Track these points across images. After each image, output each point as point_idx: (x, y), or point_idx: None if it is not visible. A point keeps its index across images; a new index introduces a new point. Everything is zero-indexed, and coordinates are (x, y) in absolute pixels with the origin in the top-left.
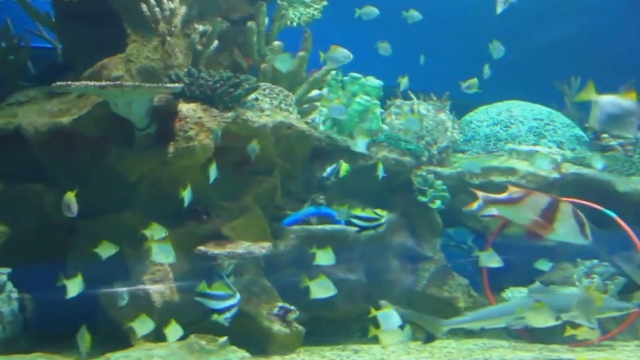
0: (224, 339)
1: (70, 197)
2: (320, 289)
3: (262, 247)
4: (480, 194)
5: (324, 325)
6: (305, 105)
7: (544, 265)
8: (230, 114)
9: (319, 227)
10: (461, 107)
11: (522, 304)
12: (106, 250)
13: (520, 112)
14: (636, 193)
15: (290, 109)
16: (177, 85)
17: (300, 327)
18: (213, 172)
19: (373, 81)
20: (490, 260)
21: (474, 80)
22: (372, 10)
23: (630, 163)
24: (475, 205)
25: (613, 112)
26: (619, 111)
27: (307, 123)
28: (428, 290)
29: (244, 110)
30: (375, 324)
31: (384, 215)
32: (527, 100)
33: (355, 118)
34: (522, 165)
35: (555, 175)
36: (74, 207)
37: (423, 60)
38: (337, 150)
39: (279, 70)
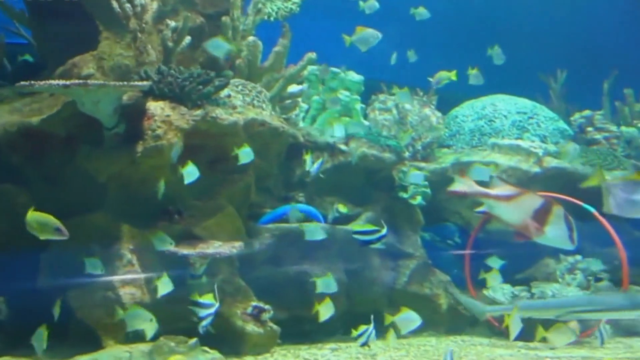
0: (193, 340)
1: (54, 221)
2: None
3: (232, 247)
4: (467, 182)
5: (306, 324)
6: (288, 101)
7: (495, 262)
8: (199, 112)
9: (295, 225)
10: (450, 101)
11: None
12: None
13: (505, 106)
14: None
15: (264, 105)
16: (144, 83)
17: (275, 327)
18: (190, 173)
19: (353, 76)
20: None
21: (444, 74)
22: (374, 4)
23: (613, 157)
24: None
25: (626, 196)
26: (632, 193)
27: (287, 119)
28: (409, 287)
29: (214, 108)
30: None
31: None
32: (514, 93)
33: (335, 114)
34: (503, 160)
35: (536, 169)
36: (64, 230)
37: (412, 55)
38: (317, 147)
39: (254, 66)
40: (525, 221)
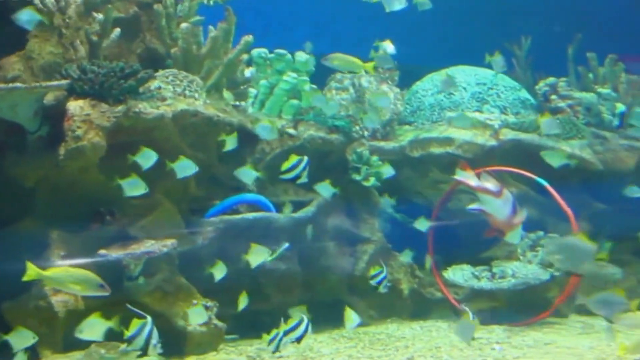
0: (123, 346)
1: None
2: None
3: (163, 246)
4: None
5: (264, 317)
6: (243, 87)
7: (406, 256)
8: (120, 108)
9: (239, 216)
10: (412, 75)
11: None
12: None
13: (464, 77)
14: (576, 157)
15: (197, 94)
16: (60, 82)
17: (219, 324)
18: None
19: (302, 56)
20: None
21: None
22: None
23: (572, 125)
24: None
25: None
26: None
27: (236, 107)
28: (368, 273)
29: (137, 102)
30: None
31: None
32: (477, 64)
33: (283, 97)
34: (459, 134)
35: (492, 142)
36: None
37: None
38: None
39: (191, 54)
40: (508, 219)
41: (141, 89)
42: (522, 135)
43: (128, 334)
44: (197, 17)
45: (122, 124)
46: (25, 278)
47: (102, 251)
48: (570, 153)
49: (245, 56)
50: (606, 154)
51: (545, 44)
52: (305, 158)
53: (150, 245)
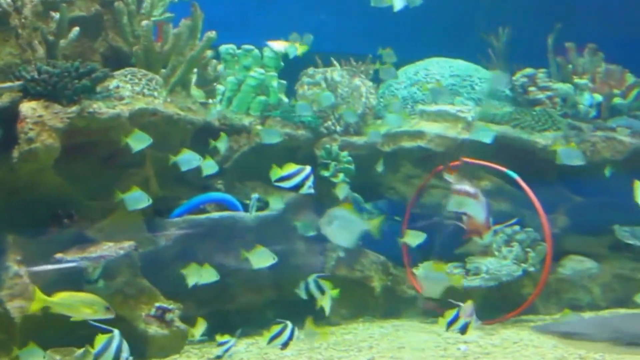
0: (81, 350)
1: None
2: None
3: (120, 248)
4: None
5: (233, 317)
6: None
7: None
8: (74, 109)
9: (204, 216)
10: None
11: None
12: None
13: (438, 69)
14: (550, 148)
15: (156, 93)
16: (12, 84)
17: (182, 326)
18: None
19: (270, 52)
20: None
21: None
22: None
23: (547, 117)
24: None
25: None
26: None
27: (204, 104)
28: (338, 271)
29: (91, 102)
30: None
31: None
32: (455, 55)
33: (250, 94)
34: (430, 128)
35: (464, 135)
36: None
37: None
38: (234, 130)
39: (153, 52)
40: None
41: (99, 89)
42: (496, 128)
43: (93, 351)
44: (167, 15)
45: (76, 124)
46: (32, 307)
47: (59, 255)
48: (544, 145)
49: (209, 52)
50: (581, 146)
51: (525, 35)
52: (308, 168)
53: (107, 248)
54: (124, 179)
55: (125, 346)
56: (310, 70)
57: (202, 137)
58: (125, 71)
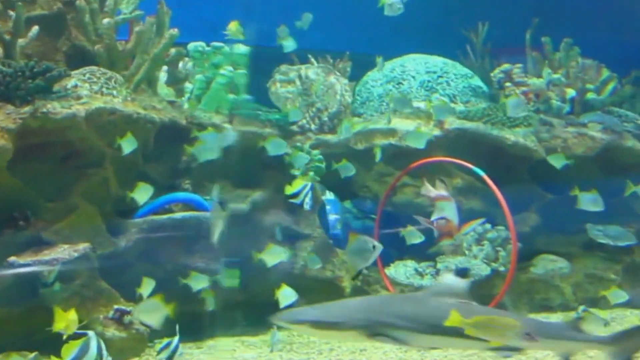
0: (33, 354)
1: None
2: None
3: (75, 250)
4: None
5: (201, 319)
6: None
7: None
8: (27, 109)
9: (166, 216)
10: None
11: None
12: None
13: (414, 66)
14: (519, 145)
15: (115, 92)
16: None
17: (141, 329)
18: None
19: (240, 49)
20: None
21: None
22: None
23: None
24: None
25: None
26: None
27: (172, 102)
28: (307, 271)
29: (46, 102)
30: None
31: None
32: (434, 52)
33: (220, 92)
34: (402, 125)
35: (436, 132)
36: None
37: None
38: (203, 128)
39: (115, 50)
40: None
41: (56, 88)
42: (468, 124)
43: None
44: (137, 12)
45: (30, 125)
46: None
47: (12, 258)
48: (513, 141)
49: (173, 50)
50: (552, 141)
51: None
52: (309, 184)
53: (61, 251)
54: (82, 180)
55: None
56: (283, 67)
57: (170, 135)
58: (84, 70)
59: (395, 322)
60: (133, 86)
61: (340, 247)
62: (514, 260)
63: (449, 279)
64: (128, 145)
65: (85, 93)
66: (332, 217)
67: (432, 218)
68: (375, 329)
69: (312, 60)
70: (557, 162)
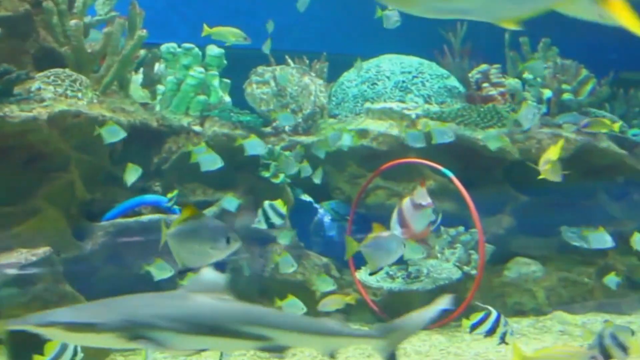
0: None
1: None
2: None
3: (33, 255)
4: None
5: None
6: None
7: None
8: None
9: (133, 219)
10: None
11: None
12: None
13: (389, 66)
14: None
15: (80, 94)
16: None
17: None
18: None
19: (213, 50)
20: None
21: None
22: None
23: (494, 114)
24: None
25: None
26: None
27: (144, 104)
28: (278, 274)
29: (3, 106)
30: None
31: None
32: (412, 52)
33: (190, 93)
34: (374, 126)
35: None
36: None
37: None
38: (172, 130)
39: (82, 52)
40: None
41: (17, 91)
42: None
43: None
44: (113, 14)
45: None
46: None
47: None
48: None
49: (142, 52)
50: (527, 143)
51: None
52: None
53: (17, 255)
54: (46, 183)
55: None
56: (260, 69)
57: (141, 137)
58: (49, 72)
59: (156, 323)
60: (102, 88)
61: (332, 250)
62: (482, 264)
63: (207, 274)
64: (109, 135)
65: (49, 96)
66: (327, 219)
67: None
68: (135, 331)
69: (289, 61)
70: (493, 144)
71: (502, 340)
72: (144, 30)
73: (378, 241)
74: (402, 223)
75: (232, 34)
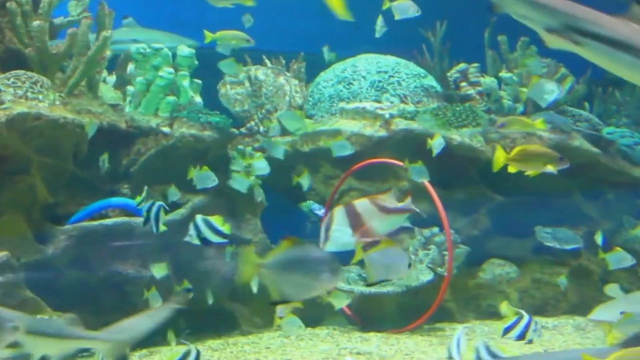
0: None
1: None
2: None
3: None
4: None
5: None
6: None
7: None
8: None
9: (97, 222)
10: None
11: None
12: None
13: (365, 66)
14: (465, 145)
15: (41, 96)
16: None
17: None
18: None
19: (184, 51)
20: None
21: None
22: None
23: (469, 113)
24: None
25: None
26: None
27: (114, 106)
28: None
29: None
30: None
31: None
32: (391, 52)
33: (159, 94)
34: (348, 126)
35: (381, 133)
36: None
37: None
38: (141, 132)
39: (46, 54)
40: None
41: None
42: (414, 125)
43: None
44: (85, 14)
45: None
46: None
47: None
48: (459, 141)
49: (108, 52)
50: (501, 142)
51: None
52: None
53: None
54: (7, 187)
55: None
56: None
57: (109, 139)
58: (9, 75)
59: None
60: (67, 90)
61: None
62: (450, 266)
63: None
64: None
65: (9, 98)
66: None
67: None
68: None
69: (266, 61)
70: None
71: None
72: (109, 31)
73: (385, 253)
74: (355, 225)
75: (235, 38)
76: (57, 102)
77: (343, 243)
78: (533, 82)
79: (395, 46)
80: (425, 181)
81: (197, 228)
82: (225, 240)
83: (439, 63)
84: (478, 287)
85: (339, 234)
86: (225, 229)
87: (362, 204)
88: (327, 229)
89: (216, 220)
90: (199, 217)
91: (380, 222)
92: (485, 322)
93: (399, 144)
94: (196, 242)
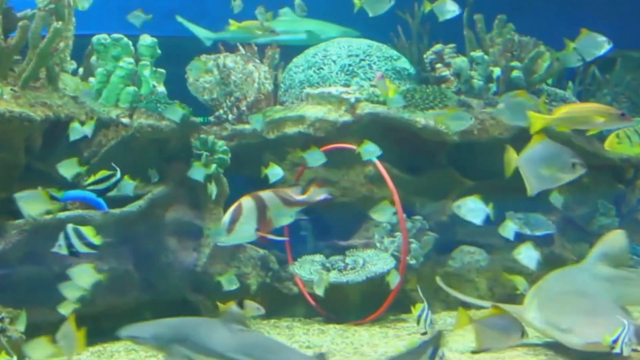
0: None
1: None
2: None
3: None
4: None
5: (103, 322)
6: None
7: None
8: None
9: (49, 216)
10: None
11: None
12: None
13: (336, 50)
14: (429, 128)
15: None
16: None
17: (16, 335)
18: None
19: (146, 40)
20: None
21: None
22: None
23: (438, 94)
24: None
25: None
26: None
27: (74, 97)
28: (211, 268)
29: None
30: None
31: None
32: (369, 35)
33: (119, 85)
34: (312, 112)
35: (346, 118)
36: None
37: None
38: (102, 123)
39: None
40: None
41: None
42: (379, 108)
43: None
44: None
45: None
46: None
47: None
48: (423, 124)
49: (62, 44)
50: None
51: None
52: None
53: None
54: None
55: None
56: (202, 57)
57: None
58: None
59: None
60: (22, 83)
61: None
62: (405, 255)
63: None
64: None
65: None
66: None
67: None
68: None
69: (240, 48)
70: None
71: None
72: (60, 22)
73: (495, 322)
74: (261, 219)
75: (259, 28)
76: (6, 96)
77: (243, 237)
78: (584, 35)
79: (373, 30)
80: (375, 160)
81: (67, 238)
82: (94, 252)
83: (416, 45)
84: (447, 276)
85: (244, 227)
86: (96, 240)
87: (268, 197)
88: (233, 222)
89: (87, 231)
90: (69, 227)
91: (281, 214)
92: (451, 314)
93: (365, 129)
94: (64, 252)
